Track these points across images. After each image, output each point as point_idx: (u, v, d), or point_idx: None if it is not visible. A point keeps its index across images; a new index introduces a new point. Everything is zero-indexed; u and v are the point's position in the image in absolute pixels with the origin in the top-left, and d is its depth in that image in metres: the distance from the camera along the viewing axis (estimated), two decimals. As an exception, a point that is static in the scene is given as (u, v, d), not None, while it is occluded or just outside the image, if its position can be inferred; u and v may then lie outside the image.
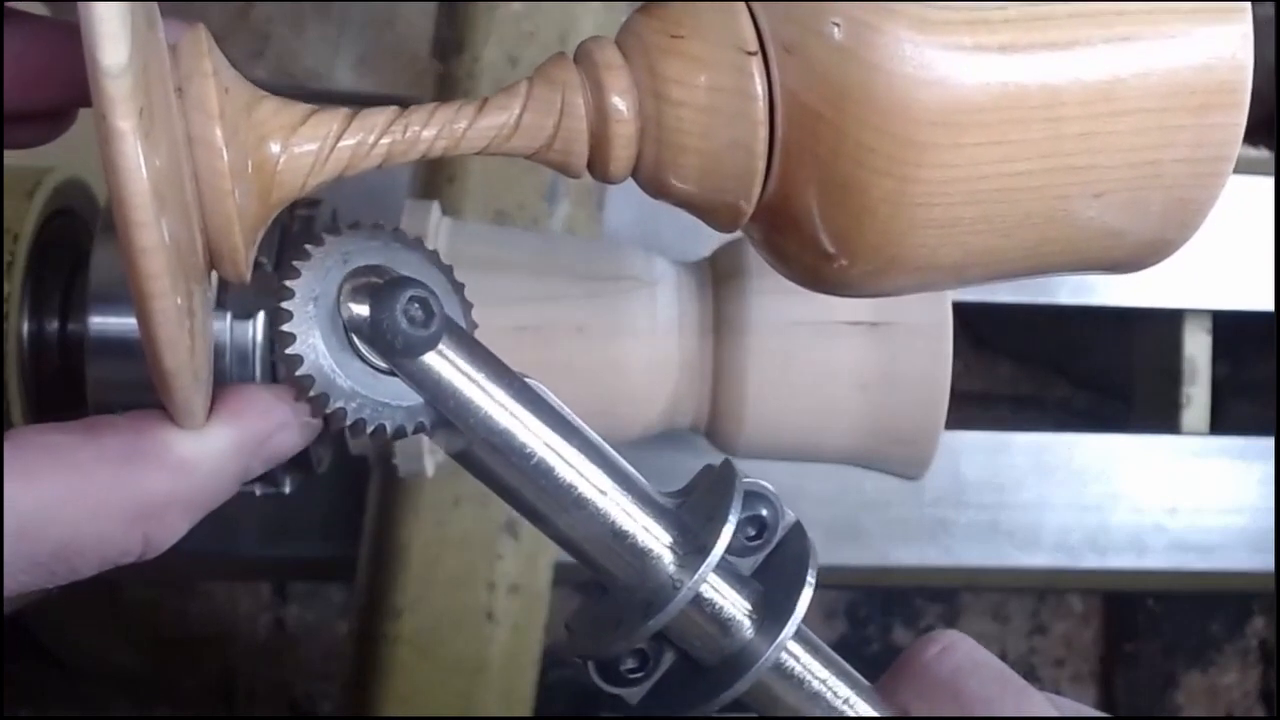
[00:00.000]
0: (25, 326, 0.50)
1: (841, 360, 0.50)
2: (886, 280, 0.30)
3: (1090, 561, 0.75)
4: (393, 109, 0.29)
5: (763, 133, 0.29)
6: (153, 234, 0.23)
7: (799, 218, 0.29)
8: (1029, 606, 0.94)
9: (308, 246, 0.30)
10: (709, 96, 0.29)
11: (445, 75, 0.60)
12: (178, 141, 0.26)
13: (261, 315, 0.47)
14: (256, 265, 0.46)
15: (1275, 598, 0.89)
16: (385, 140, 0.29)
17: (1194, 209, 0.30)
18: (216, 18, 0.82)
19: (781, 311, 0.50)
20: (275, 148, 0.28)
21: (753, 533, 0.33)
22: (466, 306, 0.32)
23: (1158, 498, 0.75)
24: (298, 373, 0.29)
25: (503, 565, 0.60)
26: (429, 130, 0.29)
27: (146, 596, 0.87)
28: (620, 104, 0.29)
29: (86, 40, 0.22)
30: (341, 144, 0.28)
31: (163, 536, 0.28)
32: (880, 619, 0.93)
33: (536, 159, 0.30)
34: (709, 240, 0.56)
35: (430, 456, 0.51)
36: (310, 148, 0.28)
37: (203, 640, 0.89)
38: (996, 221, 0.29)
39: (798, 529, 0.33)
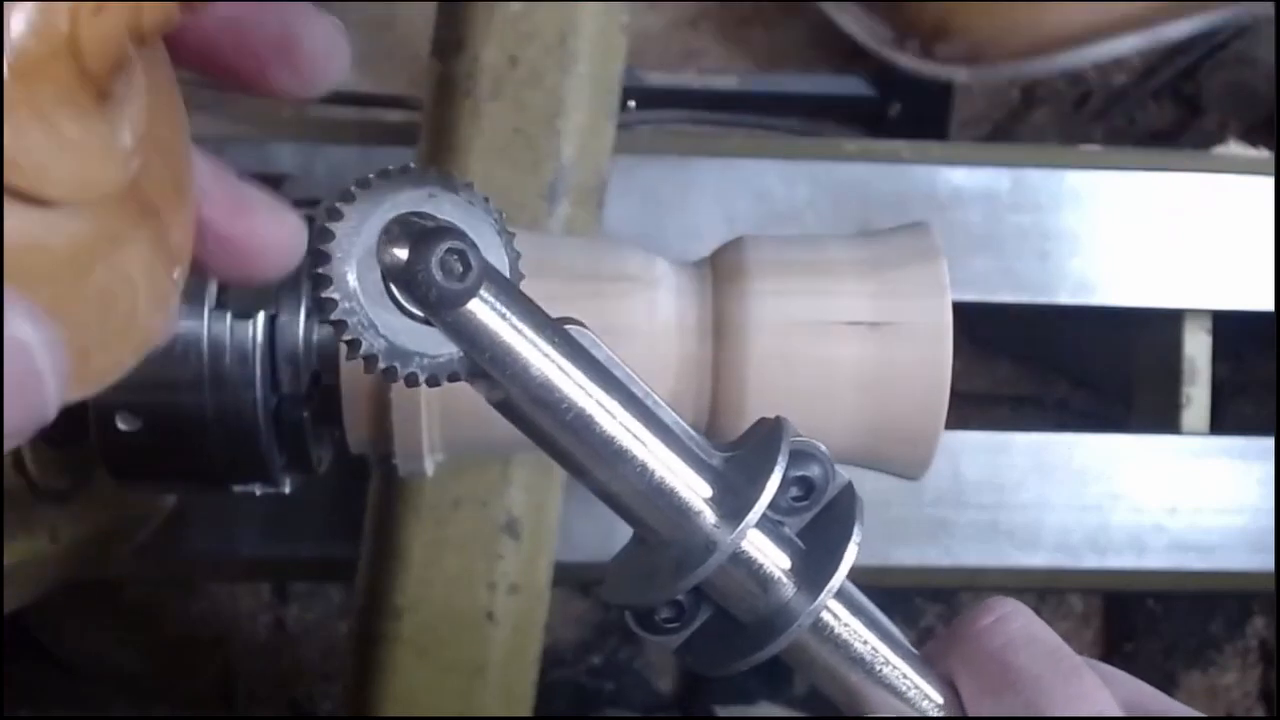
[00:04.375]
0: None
1: (841, 360, 0.50)
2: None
3: (1090, 561, 0.75)
4: None
5: None
6: None
7: None
8: (1029, 606, 0.94)
9: (352, 188, 0.29)
10: None
11: (445, 75, 0.60)
12: None
13: (261, 315, 0.47)
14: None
15: (1275, 598, 0.89)
16: None
17: None
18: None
19: (781, 312, 0.50)
20: None
21: (800, 493, 0.32)
22: (514, 255, 0.31)
23: (1158, 498, 0.75)
24: (331, 317, 0.28)
25: (503, 565, 0.60)
26: None
27: (147, 597, 0.87)
28: None
29: None
30: None
31: None
32: (880, 619, 0.93)
33: None
34: (709, 241, 0.56)
35: (430, 457, 0.51)
36: None
37: (203, 640, 0.89)
38: None
39: (848, 490, 0.33)
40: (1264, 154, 0.78)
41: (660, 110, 0.82)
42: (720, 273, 0.52)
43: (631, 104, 0.80)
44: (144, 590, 0.87)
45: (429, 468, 0.51)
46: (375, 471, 0.61)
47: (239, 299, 0.46)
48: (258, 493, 0.50)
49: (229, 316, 0.46)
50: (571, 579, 0.77)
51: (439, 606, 0.60)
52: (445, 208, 0.30)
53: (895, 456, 0.52)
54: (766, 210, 0.72)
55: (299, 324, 0.48)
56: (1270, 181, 0.74)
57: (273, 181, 0.51)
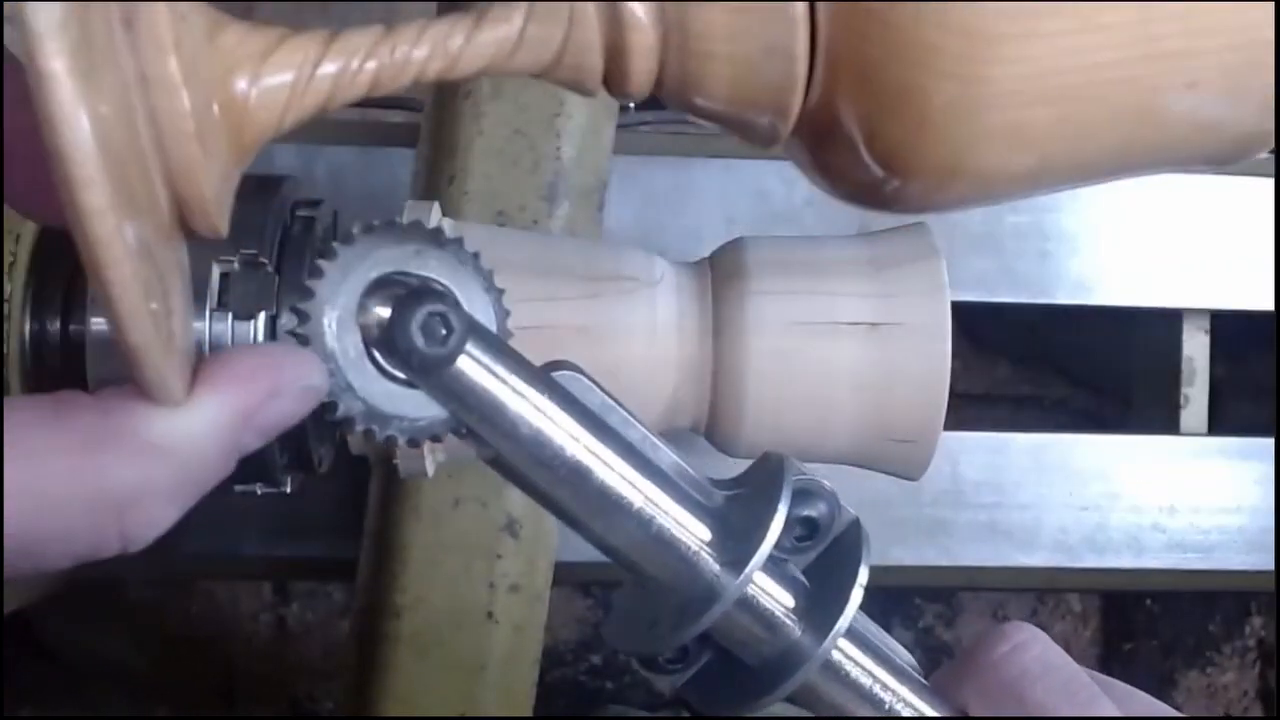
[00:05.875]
0: (27, 327, 0.50)
1: (841, 360, 0.50)
2: (948, 194, 0.27)
3: (1089, 561, 0.75)
4: (377, 28, 0.26)
5: (802, 33, 0.25)
6: (101, 194, 0.20)
7: (848, 131, 0.26)
8: (1028, 606, 0.94)
9: (335, 244, 0.28)
10: None
11: (445, 76, 0.60)
12: (128, 83, 0.22)
13: (262, 315, 0.47)
14: (257, 265, 0.47)
15: (1274, 597, 0.89)
16: (371, 64, 0.25)
17: None
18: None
19: (781, 312, 0.50)
20: (243, 83, 0.24)
21: (804, 532, 0.31)
22: (503, 312, 0.30)
23: (1156, 497, 0.75)
24: None
25: (503, 565, 0.60)
26: (420, 50, 0.25)
27: (148, 596, 0.87)
28: (637, 9, 0.25)
29: None
30: (321, 72, 0.25)
31: (143, 529, 0.25)
32: (879, 619, 0.93)
33: (546, 78, 0.27)
34: (709, 241, 0.56)
35: (431, 457, 0.51)
36: (284, 78, 0.24)
37: (203, 640, 0.89)
38: (1076, 123, 0.25)
39: (855, 526, 0.32)
40: (1263, 155, 0.78)
41: (660, 110, 0.82)
42: (720, 273, 0.52)
43: (631, 104, 0.80)
44: (144, 590, 0.87)
45: (429, 468, 0.51)
46: (376, 471, 0.61)
47: (240, 300, 0.46)
48: (259, 492, 0.50)
49: (230, 317, 0.46)
50: (571, 579, 0.77)
51: (439, 606, 0.60)
52: (431, 264, 0.29)
53: (894, 456, 0.52)
54: (766, 210, 0.72)
55: (300, 324, 0.48)
56: (1270, 182, 0.74)
57: (273, 182, 0.51)
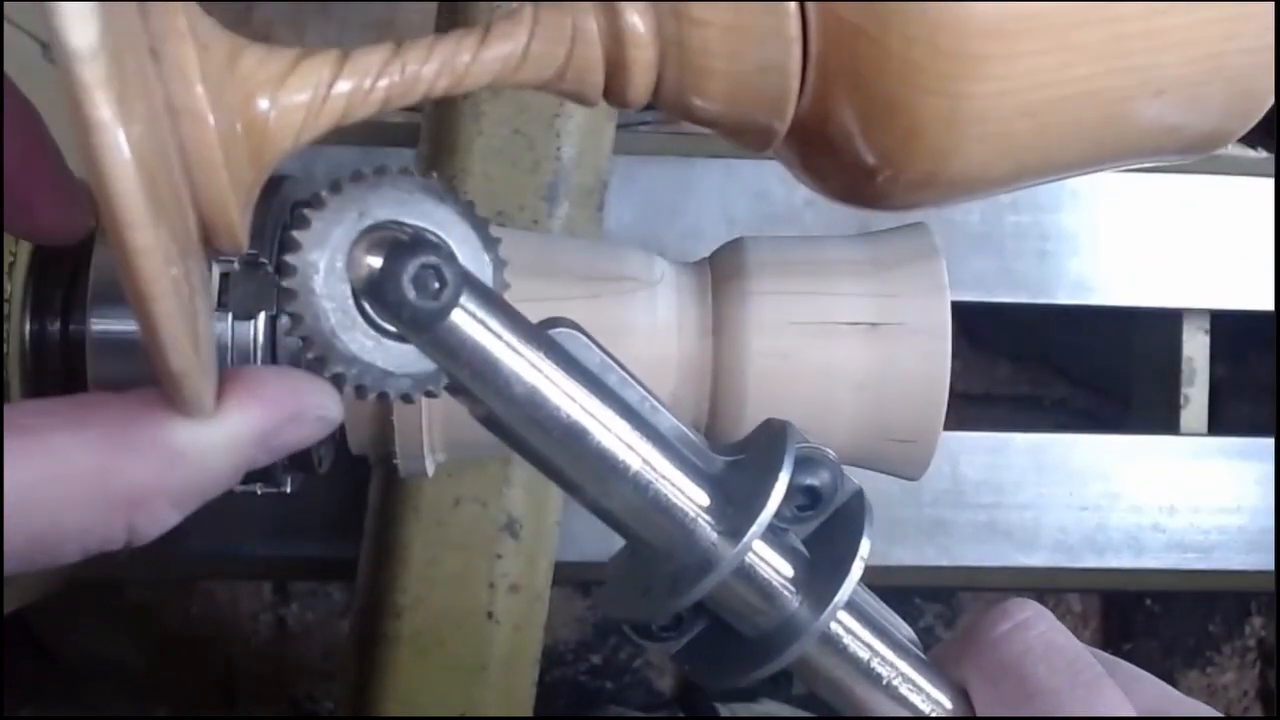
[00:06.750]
0: (27, 327, 0.50)
1: (841, 361, 0.50)
2: (929, 195, 0.29)
3: (1089, 561, 0.75)
4: (387, 47, 0.27)
5: (796, 51, 0.26)
6: (148, 233, 0.21)
7: (838, 138, 0.27)
8: (1028, 606, 0.94)
9: (323, 193, 0.27)
10: (735, 14, 0.26)
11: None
12: (157, 110, 0.23)
13: (263, 315, 0.47)
14: (256, 265, 0.47)
15: (1274, 597, 0.89)
16: (383, 83, 0.26)
17: (1257, 99, 0.29)
18: (217, 20, 0.81)
19: (781, 312, 0.50)
20: (264, 104, 0.25)
21: (805, 501, 0.30)
22: (498, 260, 0.29)
23: (1156, 498, 0.75)
24: (295, 333, 0.27)
25: (503, 565, 0.60)
26: (429, 67, 0.26)
27: (147, 596, 0.87)
28: (638, 25, 0.26)
29: (49, 18, 0.19)
30: (335, 91, 0.26)
31: (150, 527, 0.26)
32: (879, 619, 0.93)
33: (548, 90, 0.28)
34: (709, 241, 0.56)
35: (431, 457, 0.51)
36: (301, 98, 0.26)
37: (203, 640, 0.89)
38: (1052, 131, 0.27)
39: (859, 497, 0.31)
40: (1263, 155, 0.78)
41: (660, 110, 0.82)
42: (720, 273, 0.52)
43: (631, 105, 0.80)
44: (144, 590, 0.87)
45: (429, 468, 0.51)
46: (376, 471, 0.61)
47: (239, 300, 0.46)
48: (259, 492, 0.50)
49: (230, 318, 0.46)
50: (571, 579, 0.77)
51: (439, 606, 0.60)
52: (421, 212, 0.28)
53: (894, 456, 0.52)
54: (766, 210, 0.72)
55: (300, 324, 0.48)
56: (1269, 183, 0.74)
57: (273, 182, 0.51)
